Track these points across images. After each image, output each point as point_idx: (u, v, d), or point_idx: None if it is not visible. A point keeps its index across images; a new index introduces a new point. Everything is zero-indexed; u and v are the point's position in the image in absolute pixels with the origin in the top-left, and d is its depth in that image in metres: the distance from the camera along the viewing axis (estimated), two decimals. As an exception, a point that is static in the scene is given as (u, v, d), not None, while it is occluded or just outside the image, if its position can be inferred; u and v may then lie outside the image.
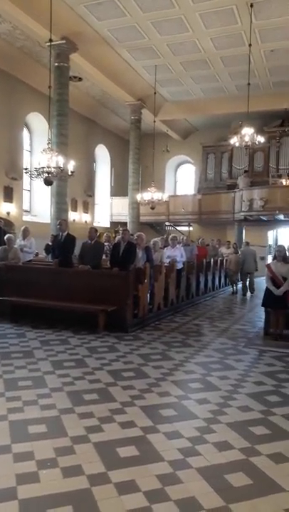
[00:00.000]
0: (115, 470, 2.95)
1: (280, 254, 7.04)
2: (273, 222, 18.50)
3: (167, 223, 20.29)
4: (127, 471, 2.94)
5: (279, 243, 15.77)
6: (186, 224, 20.40)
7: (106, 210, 20.22)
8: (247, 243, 14.17)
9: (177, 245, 10.13)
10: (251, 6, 10.44)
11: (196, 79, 15.31)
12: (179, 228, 20.50)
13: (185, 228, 20.57)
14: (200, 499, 2.67)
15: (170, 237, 10.54)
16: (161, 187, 18.76)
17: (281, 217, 16.86)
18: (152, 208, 15.38)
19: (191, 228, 20.58)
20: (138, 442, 3.34)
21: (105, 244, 10.12)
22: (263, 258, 16.80)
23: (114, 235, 12.50)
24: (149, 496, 2.69)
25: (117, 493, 2.69)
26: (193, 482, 2.86)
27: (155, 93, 15.34)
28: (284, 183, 16.86)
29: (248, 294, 13.15)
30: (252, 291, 13.26)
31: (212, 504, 2.63)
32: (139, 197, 15.55)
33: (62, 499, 2.62)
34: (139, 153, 16.77)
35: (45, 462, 3.01)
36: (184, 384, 4.72)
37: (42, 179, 10.02)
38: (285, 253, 7.19)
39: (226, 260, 14.13)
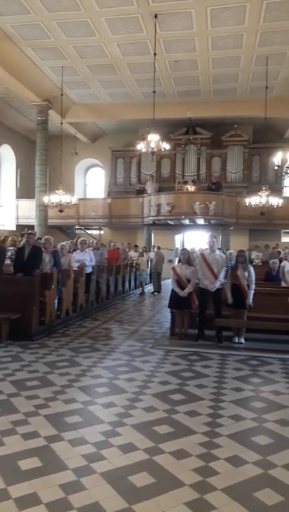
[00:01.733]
0: (16, 484, 2.83)
1: (184, 257, 7.35)
2: (180, 227, 19.24)
3: (77, 226, 20.07)
4: (28, 484, 2.83)
5: (185, 247, 16.60)
6: (97, 227, 20.37)
7: (11, 212, 19.39)
8: (158, 247, 15.66)
9: (86, 249, 10.07)
10: (156, 16, 10.77)
11: (104, 83, 15.40)
12: (89, 232, 20.39)
13: (96, 232, 20.53)
14: (103, 504, 2.67)
15: (79, 240, 10.45)
16: (70, 190, 18.52)
17: (187, 221, 17.61)
18: (61, 211, 15.10)
19: (102, 232, 20.60)
20: (41, 453, 3.25)
21: (10, 248, 9.70)
22: (171, 261, 17.39)
23: (20, 239, 12.04)
24: (51, 507, 2.62)
25: (17, 509, 2.58)
26: (97, 487, 2.85)
27: (62, 95, 15.11)
28: (189, 190, 17.64)
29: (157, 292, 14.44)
30: (160, 289, 14.49)
31: (115, 507, 2.64)
32: (46, 199, 15.16)
33: None
34: (46, 154, 16.36)
35: None
36: (91, 389, 4.69)
37: None
38: (189, 256, 7.53)
39: (136, 263, 14.59)
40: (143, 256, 14.58)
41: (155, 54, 11.77)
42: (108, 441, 3.49)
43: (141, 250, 15.26)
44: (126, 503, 2.68)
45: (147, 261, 15.09)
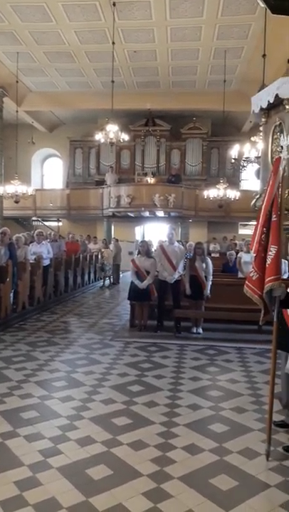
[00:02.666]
0: None
1: (143, 250, 7.36)
2: (140, 219, 19.21)
3: (34, 218, 19.61)
4: (-19, 484, 2.75)
5: (145, 239, 16.63)
6: (55, 219, 20.00)
7: None
8: (116, 239, 15.77)
9: (44, 241, 9.86)
10: (114, 4, 10.59)
11: (61, 71, 15.03)
12: (47, 223, 19.98)
13: (54, 223, 20.15)
14: (60, 498, 2.64)
15: (35, 232, 10.20)
16: (27, 180, 18.02)
17: (147, 213, 17.62)
18: (16, 202, 14.67)
19: (60, 223, 20.24)
20: (-5, 450, 3.16)
21: None
22: (132, 253, 17.36)
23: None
24: (5, 504, 2.56)
25: None
26: (54, 482, 2.81)
27: (17, 82, 14.63)
28: (149, 181, 17.63)
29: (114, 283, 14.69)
30: (118, 281, 14.77)
31: (72, 501, 2.62)
32: (1, 190, 14.68)
33: None
34: (1, 143, 15.80)
35: None
36: (48, 383, 4.61)
37: None
38: (148, 248, 7.54)
39: (96, 255, 14.50)
40: (108, 248, 14.47)
41: (114, 43, 11.59)
42: (65, 435, 3.44)
43: (106, 242, 15.22)
44: (83, 497, 2.66)
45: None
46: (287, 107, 4.68)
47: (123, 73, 14.85)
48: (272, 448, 3.21)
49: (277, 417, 3.69)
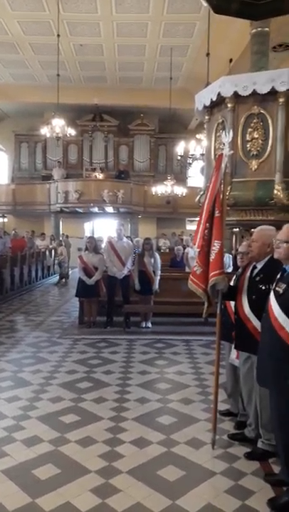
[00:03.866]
0: None
1: (91, 246, 7.32)
2: (89, 215, 19.01)
3: (-22, 214, 18.86)
4: None
5: (95, 235, 16.51)
6: (0, 215, 19.34)
7: None
8: (67, 236, 15.86)
9: (-12, 238, 9.53)
10: (58, -5, 10.38)
11: (5, 62, 14.49)
12: (-8, 220, 19.29)
13: (-1, 220, 19.49)
14: (5, 501, 2.58)
15: (-21, 229, 9.83)
16: None
17: (96, 209, 17.48)
18: None
19: (5, 219, 19.60)
20: None
21: None
22: (81, 249, 17.16)
23: None
24: None
25: None
26: (-2, 486, 2.73)
27: None
28: (97, 177, 17.49)
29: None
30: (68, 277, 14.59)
31: (18, 503, 2.56)
32: None
33: None
34: None
35: None
36: (-7, 384, 4.47)
37: None
38: (96, 244, 7.50)
39: (43, 252, 14.23)
40: (62, 245, 14.31)
41: (59, 35, 11.35)
42: (11, 436, 3.36)
43: (55, 238, 15.02)
44: (29, 498, 2.61)
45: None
46: (228, 105, 4.81)
47: (69, 67, 14.60)
48: (217, 436, 3.31)
49: (222, 407, 3.81)
